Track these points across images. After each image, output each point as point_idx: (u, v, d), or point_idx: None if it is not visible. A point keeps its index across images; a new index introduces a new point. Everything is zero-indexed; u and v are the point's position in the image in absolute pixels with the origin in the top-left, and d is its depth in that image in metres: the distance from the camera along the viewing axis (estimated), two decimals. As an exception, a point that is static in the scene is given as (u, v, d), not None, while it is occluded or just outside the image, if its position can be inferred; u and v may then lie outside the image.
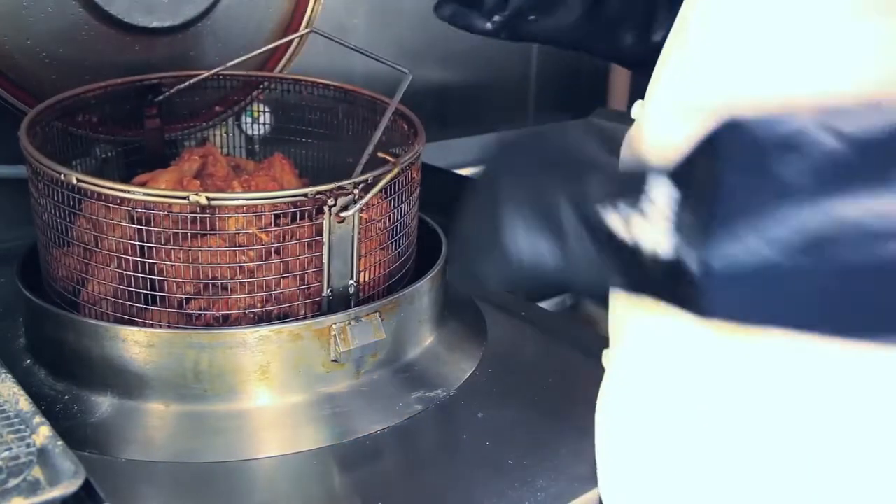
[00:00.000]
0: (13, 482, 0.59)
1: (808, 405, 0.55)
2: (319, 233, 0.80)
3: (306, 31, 1.06)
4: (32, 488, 0.60)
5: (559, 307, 1.82)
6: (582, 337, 0.99)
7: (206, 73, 1.05)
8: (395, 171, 0.83)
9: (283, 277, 0.82)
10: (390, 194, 0.87)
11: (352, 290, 0.83)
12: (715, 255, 0.43)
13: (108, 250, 0.80)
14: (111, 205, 0.79)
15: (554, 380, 0.91)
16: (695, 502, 0.62)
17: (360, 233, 0.81)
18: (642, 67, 0.74)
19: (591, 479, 0.73)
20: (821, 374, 0.54)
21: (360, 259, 0.82)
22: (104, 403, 0.79)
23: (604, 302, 0.68)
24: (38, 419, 0.66)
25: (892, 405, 0.53)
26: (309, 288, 0.82)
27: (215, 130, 1.16)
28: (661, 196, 0.46)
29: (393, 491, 0.72)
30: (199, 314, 0.81)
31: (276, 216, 0.82)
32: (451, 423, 0.78)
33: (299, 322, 0.79)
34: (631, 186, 0.47)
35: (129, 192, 0.77)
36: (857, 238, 0.42)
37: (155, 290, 0.80)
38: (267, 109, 1.15)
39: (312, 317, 0.81)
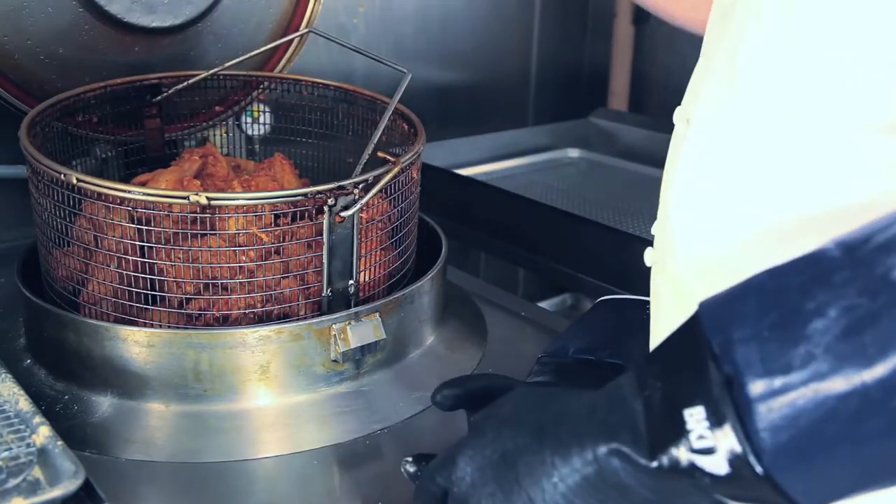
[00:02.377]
0: (13, 482, 0.60)
1: None
2: (319, 233, 0.80)
3: (306, 31, 1.06)
4: (32, 488, 0.60)
5: (559, 307, 1.82)
6: (582, 337, 0.99)
7: (206, 73, 1.05)
8: (395, 170, 0.83)
9: (283, 277, 0.82)
10: (390, 194, 0.87)
11: (352, 290, 0.83)
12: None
13: (108, 250, 0.80)
14: (111, 205, 0.79)
15: (554, 380, 0.91)
16: None
17: (360, 233, 0.81)
18: None
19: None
20: None
21: (360, 259, 0.82)
22: (104, 403, 0.79)
23: None
24: (38, 419, 0.66)
25: None
26: (309, 288, 0.82)
27: (215, 130, 1.16)
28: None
29: (393, 491, 0.72)
30: (200, 314, 0.81)
31: (276, 216, 0.82)
32: (451, 423, 0.77)
33: (299, 322, 0.79)
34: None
35: (129, 192, 0.77)
36: None
37: (155, 290, 0.80)
38: (267, 109, 1.15)
39: (312, 317, 0.81)
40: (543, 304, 1.64)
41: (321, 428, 0.79)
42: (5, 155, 1.10)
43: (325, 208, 0.78)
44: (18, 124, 0.87)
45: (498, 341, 0.97)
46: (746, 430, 0.43)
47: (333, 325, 0.80)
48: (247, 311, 0.81)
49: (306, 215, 0.80)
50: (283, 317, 0.82)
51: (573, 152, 1.71)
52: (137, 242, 0.79)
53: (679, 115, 0.69)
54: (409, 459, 0.62)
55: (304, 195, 0.78)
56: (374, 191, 0.80)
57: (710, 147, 0.60)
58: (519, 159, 1.66)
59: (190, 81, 1.04)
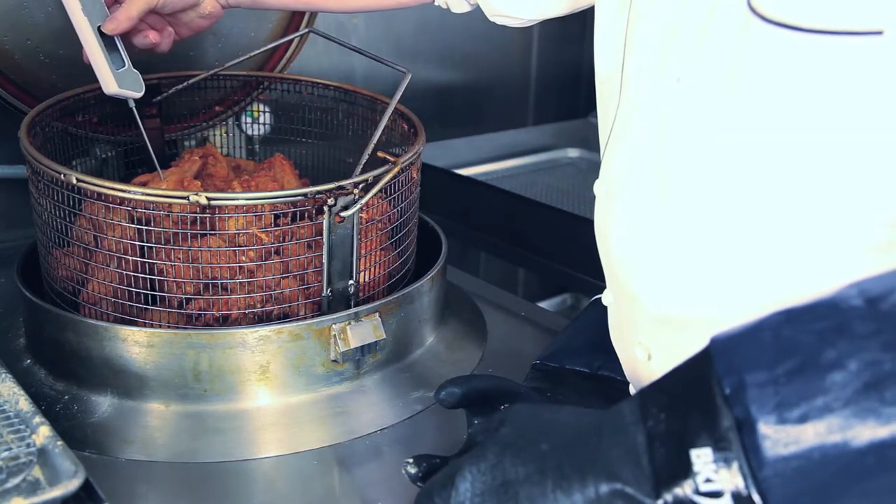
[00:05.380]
0: (13, 482, 0.60)
1: None
2: (319, 233, 0.80)
3: (306, 30, 1.06)
4: (32, 488, 0.60)
5: (559, 307, 1.82)
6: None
7: (206, 73, 1.05)
8: (395, 170, 0.83)
9: (283, 277, 0.82)
10: (390, 194, 0.87)
11: (352, 290, 0.83)
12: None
13: (108, 250, 0.80)
14: (111, 205, 0.79)
15: (554, 380, 0.91)
16: None
17: (360, 233, 0.81)
18: None
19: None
20: None
21: (360, 259, 0.82)
22: (104, 403, 0.79)
23: None
24: (38, 419, 0.66)
25: None
26: (309, 288, 0.82)
27: (215, 130, 1.16)
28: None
29: (393, 491, 0.72)
30: (199, 314, 0.81)
31: (276, 216, 0.82)
32: (451, 423, 0.78)
33: (299, 322, 0.79)
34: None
35: (129, 192, 0.77)
36: None
37: (155, 291, 0.80)
38: (267, 109, 1.15)
39: (312, 317, 0.81)
40: (543, 304, 1.64)
41: (321, 428, 0.79)
42: (5, 155, 1.10)
43: (325, 208, 0.78)
44: (18, 124, 0.87)
45: (498, 341, 0.97)
46: (756, 476, 0.43)
47: (333, 325, 0.80)
48: (247, 312, 0.81)
49: (306, 215, 0.80)
50: (283, 317, 0.82)
51: (573, 152, 1.71)
52: (137, 242, 0.79)
53: (599, 188, 0.71)
54: (410, 461, 0.62)
55: (304, 195, 0.78)
56: (373, 191, 0.80)
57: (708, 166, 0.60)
58: (519, 159, 1.66)
59: (190, 81, 1.04)
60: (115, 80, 0.88)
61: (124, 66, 0.89)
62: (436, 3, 0.95)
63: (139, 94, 0.90)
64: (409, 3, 0.97)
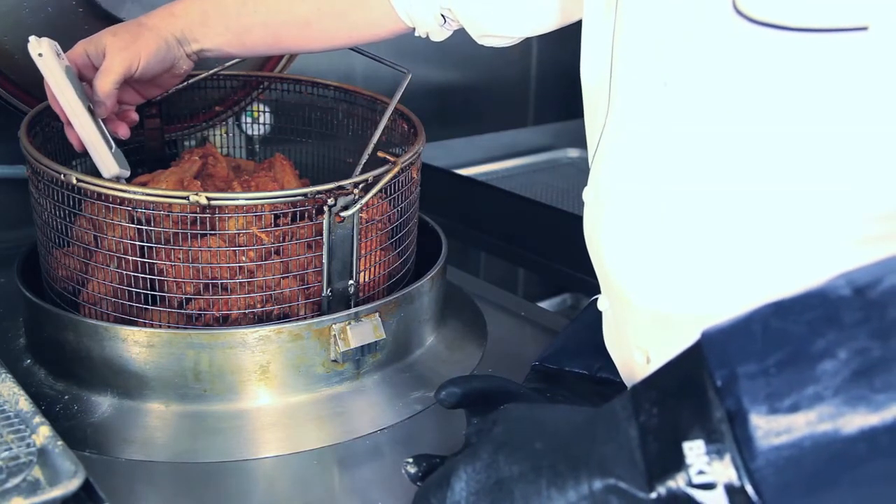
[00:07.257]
0: (13, 482, 0.60)
1: None
2: (319, 233, 0.80)
3: (306, 30, 1.06)
4: (32, 488, 0.60)
5: (559, 307, 1.82)
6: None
7: (206, 73, 1.05)
8: (395, 170, 0.83)
9: (283, 277, 0.82)
10: (390, 194, 0.87)
11: (352, 290, 0.83)
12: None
13: (108, 250, 0.80)
14: (111, 205, 0.79)
15: (554, 380, 0.91)
16: None
17: (360, 233, 0.81)
18: None
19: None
20: None
21: (360, 259, 0.82)
22: (104, 403, 0.79)
23: None
24: (38, 419, 0.66)
25: None
26: (309, 288, 0.82)
27: (215, 130, 1.16)
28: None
29: (393, 491, 0.72)
30: (200, 314, 0.81)
31: (276, 216, 0.82)
32: (451, 423, 0.78)
33: (299, 322, 0.79)
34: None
35: (129, 192, 0.77)
36: None
37: (155, 291, 0.80)
38: (267, 109, 1.15)
39: (312, 317, 0.81)
40: (543, 304, 1.64)
41: (321, 428, 0.79)
42: (5, 155, 1.10)
43: (325, 208, 0.78)
44: (18, 124, 0.87)
45: (498, 341, 0.97)
46: (748, 467, 0.43)
47: (333, 325, 0.80)
48: (247, 312, 0.81)
49: (306, 215, 0.80)
50: (283, 317, 0.82)
51: (573, 152, 1.71)
52: (137, 242, 0.79)
53: (589, 194, 0.72)
54: (410, 460, 0.62)
55: (304, 195, 0.79)
56: (373, 191, 0.80)
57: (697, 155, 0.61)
58: (519, 159, 1.66)
59: (190, 81, 1.04)
60: (115, 162, 0.86)
61: (113, 147, 0.87)
62: (416, 34, 0.92)
63: (129, 173, 0.89)
64: (384, 36, 0.94)
